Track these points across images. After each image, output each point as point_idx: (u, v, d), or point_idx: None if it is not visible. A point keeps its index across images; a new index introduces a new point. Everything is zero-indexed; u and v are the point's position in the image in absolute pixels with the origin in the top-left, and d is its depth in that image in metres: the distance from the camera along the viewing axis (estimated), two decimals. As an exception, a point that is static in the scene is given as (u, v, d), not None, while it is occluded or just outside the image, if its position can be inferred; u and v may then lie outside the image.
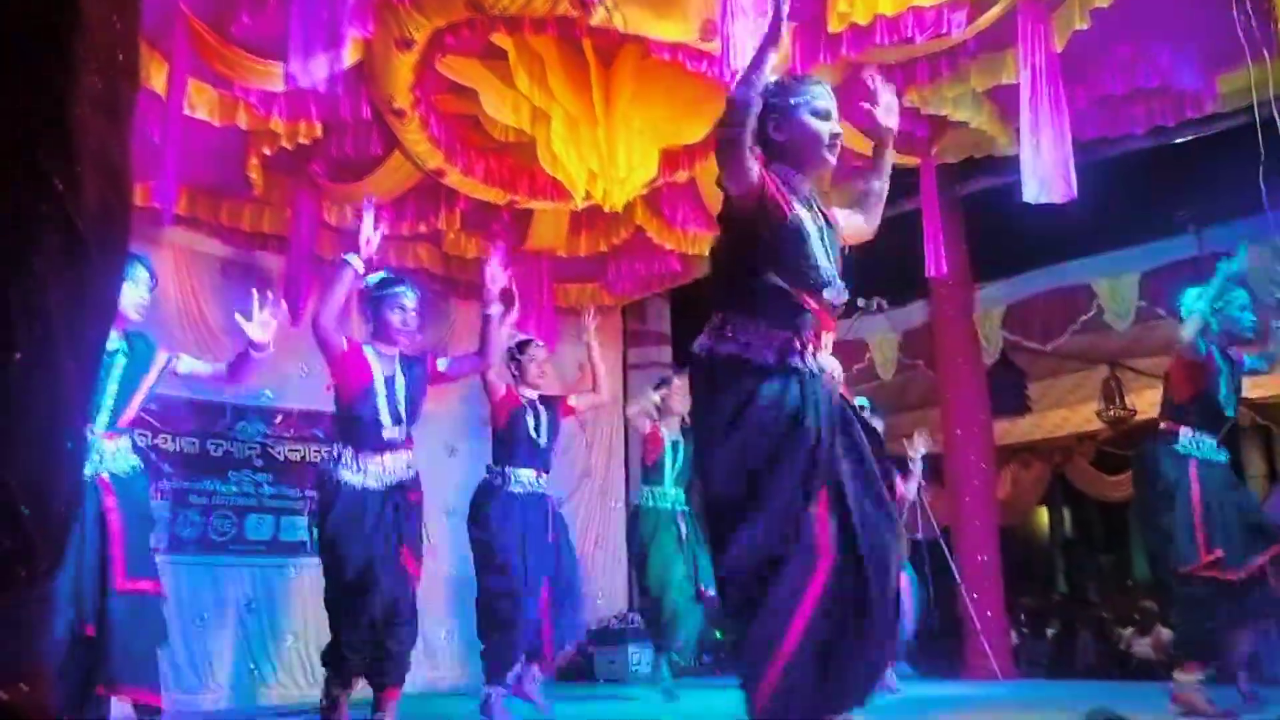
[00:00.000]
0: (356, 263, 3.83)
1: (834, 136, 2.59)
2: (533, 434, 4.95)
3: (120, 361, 3.41)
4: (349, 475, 3.80)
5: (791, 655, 2.24)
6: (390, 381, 3.93)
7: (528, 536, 4.80)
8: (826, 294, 2.47)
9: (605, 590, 8.03)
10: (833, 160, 2.63)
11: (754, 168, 2.41)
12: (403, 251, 7.17)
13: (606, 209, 5.96)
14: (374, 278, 4.14)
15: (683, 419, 6.01)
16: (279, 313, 3.81)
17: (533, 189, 6.29)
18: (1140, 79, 5.26)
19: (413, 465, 3.97)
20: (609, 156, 5.48)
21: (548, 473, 5.06)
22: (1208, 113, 5.56)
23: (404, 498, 3.86)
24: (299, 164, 6.00)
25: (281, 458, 6.64)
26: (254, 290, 3.82)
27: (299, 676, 6.37)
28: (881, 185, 2.87)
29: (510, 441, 4.94)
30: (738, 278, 2.48)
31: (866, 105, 2.79)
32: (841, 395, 2.51)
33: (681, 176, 6.20)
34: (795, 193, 2.52)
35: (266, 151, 5.55)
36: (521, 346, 5.14)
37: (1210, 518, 4.13)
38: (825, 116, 2.58)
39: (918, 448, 6.45)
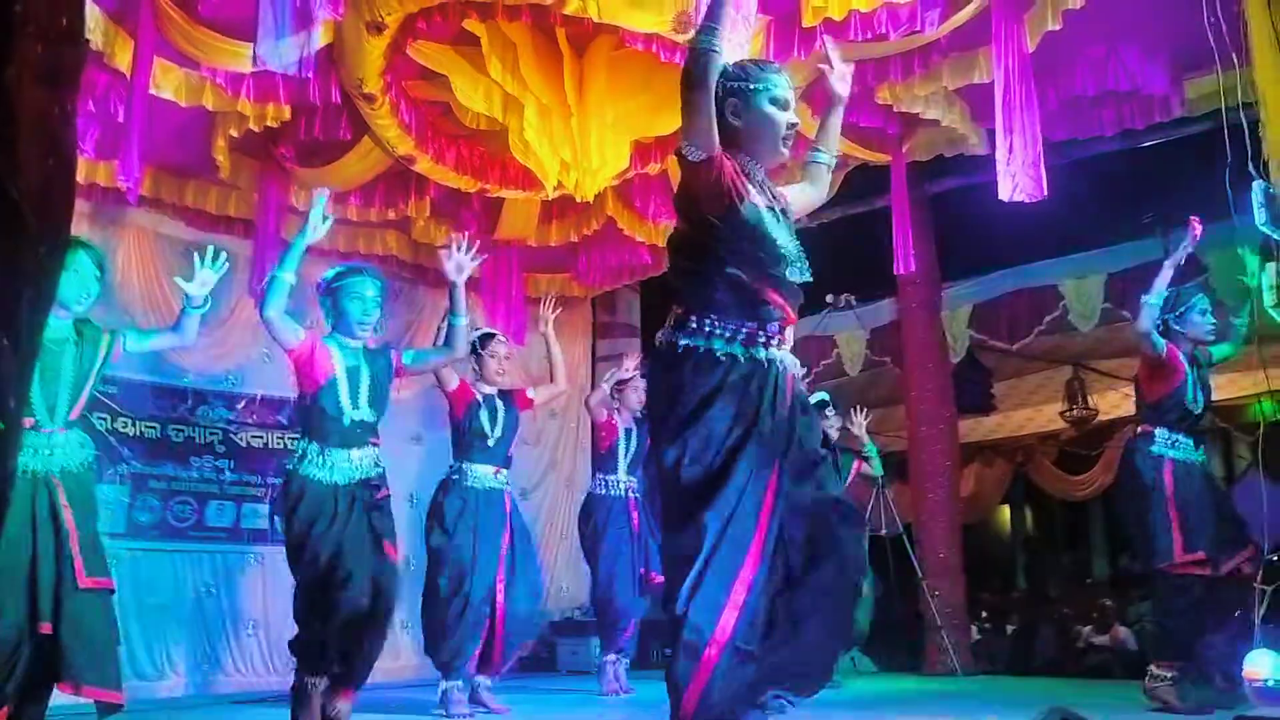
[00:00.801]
0: (291, 268, 3.74)
1: (790, 126, 2.58)
2: (487, 429, 4.92)
3: (70, 351, 3.33)
4: (314, 470, 3.75)
5: (725, 641, 2.25)
6: (354, 374, 3.87)
7: (480, 535, 4.79)
8: (789, 276, 2.48)
9: (569, 582, 8.02)
10: (787, 152, 2.62)
11: (715, 133, 2.41)
12: (371, 238, 7.10)
13: (578, 199, 5.93)
14: (331, 270, 4.09)
15: (638, 410, 6.00)
16: (216, 274, 3.73)
17: (504, 178, 6.25)
18: (1110, 81, 5.30)
19: (380, 462, 3.91)
20: (581, 147, 5.45)
21: (507, 468, 5.04)
22: (1175, 116, 5.61)
23: (372, 495, 3.81)
24: (266, 147, 5.92)
25: (244, 444, 6.56)
26: (196, 252, 3.76)
27: (258, 664, 6.32)
28: (830, 155, 2.86)
29: (466, 437, 4.92)
30: (697, 270, 2.47)
31: (822, 66, 2.77)
32: (800, 392, 2.53)
33: (653, 168, 6.18)
34: (750, 179, 2.52)
35: (233, 134, 5.47)
36: (484, 340, 5.11)
37: (1187, 517, 4.20)
38: (784, 106, 2.58)
39: (859, 423, 6.47)
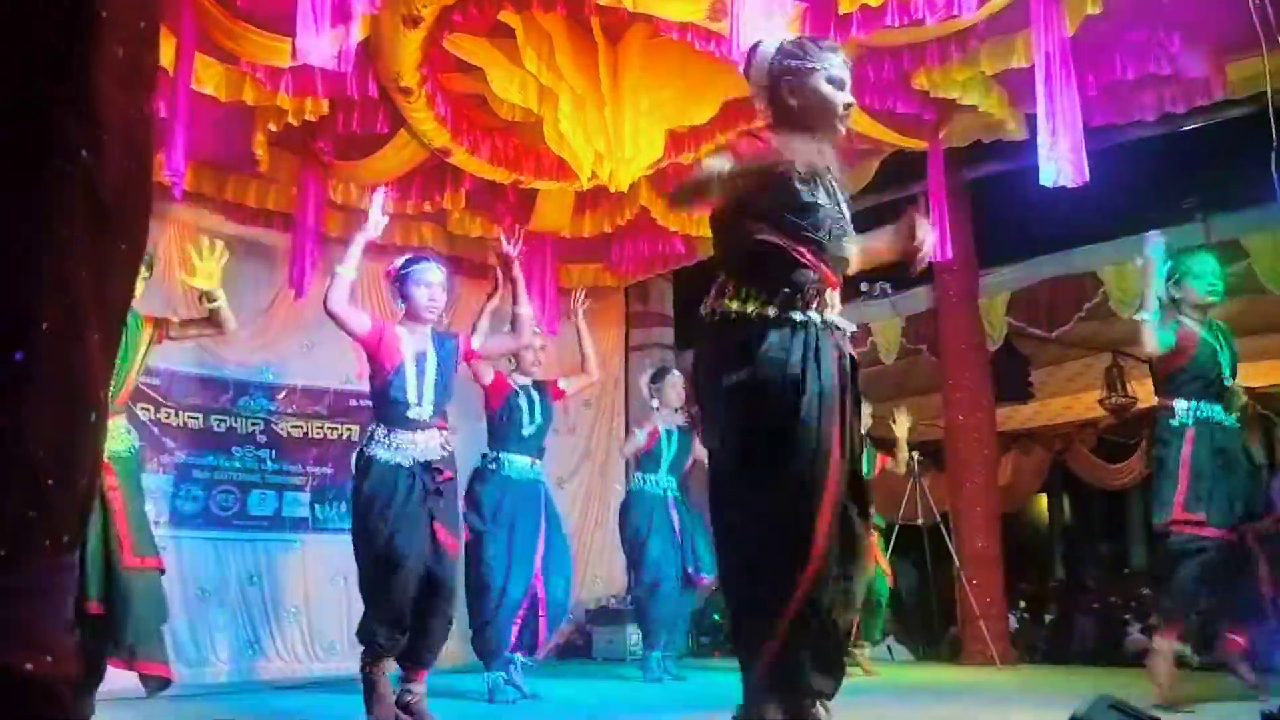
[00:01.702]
0: (351, 263, 3.82)
1: (847, 106, 2.60)
2: (525, 420, 4.99)
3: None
4: (381, 451, 3.84)
5: (796, 617, 2.26)
6: (421, 359, 3.96)
7: (518, 524, 4.85)
8: (828, 243, 2.49)
9: (604, 571, 8.06)
10: (842, 130, 2.64)
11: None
12: (407, 230, 7.15)
13: (612, 189, 5.95)
14: (400, 259, 4.22)
15: (677, 404, 6.04)
16: (218, 263, 3.84)
17: (538, 169, 6.28)
18: (1150, 65, 5.23)
19: (447, 445, 4.00)
20: (615, 137, 5.46)
21: (541, 458, 5.10)
22: (1217, 99, 5.53)
23: (433, 478, 3.88)
24: (304, 141, 5.98)
25: (284, 434, 6.64)
26: (205, 239, 3.84)
27: (300, 651, 6.41)
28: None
29: (503, 427, 4.99)
30: (737, 239, 2.51)
31: (911, 233, 2.64)
32: (849, 354, 2.55)
33: (687, 157, 6.17)
34: (802, 156, 2.51)
35: (272, 128, 5.53)
36: None
37: (1196, 478, 4.14)
38: (840, 86, 2.59)
39: (902, 425, 6.51)
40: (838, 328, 2.50)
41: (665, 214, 6.88)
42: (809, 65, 2.55)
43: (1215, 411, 4.28)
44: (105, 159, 0.73)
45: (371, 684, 3.80)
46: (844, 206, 2.62)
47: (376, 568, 3.77)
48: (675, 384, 6.02)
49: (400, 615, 3.75)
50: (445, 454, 3.95)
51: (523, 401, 5.03)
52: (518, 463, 4.99)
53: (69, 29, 0.71)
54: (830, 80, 2.56)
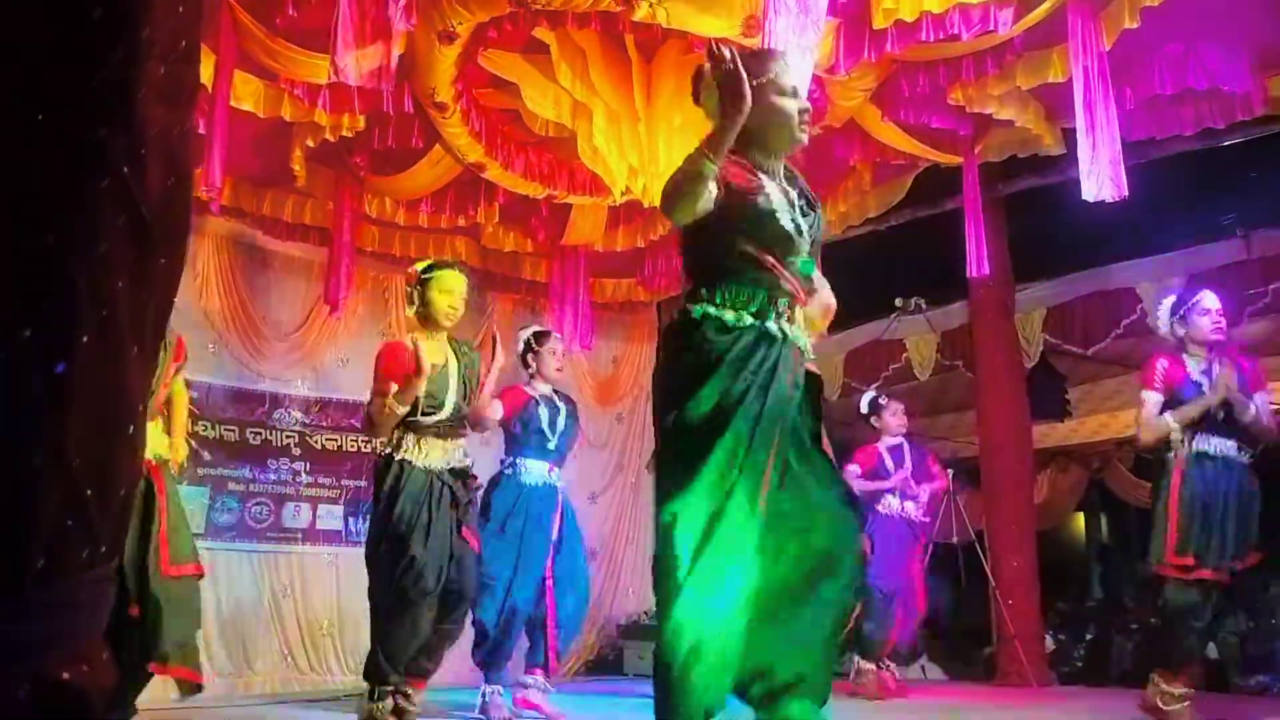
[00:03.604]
0: None
1: (803, 113, 2.47)
2: (545, 429, 4.93)
3: None
4: (408, 456, 3.90)
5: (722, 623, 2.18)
6: (443, 370, 3.99)
7: (528, 532, 4.79)
8: (793, 259, 2.41)
9: (636, 586, 8.04)
10: (804, 138, 2.50)
11: (709, 193, 2.30)
12: (441, 244, 7.19)
13: (645, 204, 5.96)
14: (423, 263, 4.23)
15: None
16: None
17: (572, 184, 6.30)
18: (1190, 79, 5.17)
19: (468, 453, 4.04)
20: (649, 152, 5.47)
21: (560, 466, 5.04)
22: (1258, 115, 5.46)
23: (460, 483, 3.93)
24: (341, 156, 6.05)
25: (319, 447, 6.70)
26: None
27: (332, 664, 6.44)
28: None
29: (521, 435, 4.92)
30: (710, 245, 2.41)
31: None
32: (808, 370, 2.46)
33: (720, 173, 6.17)
34: (767, 174, 2.45)
35: (310, 143, 5.59)
36: (539, 338, 5.13)
37: (1189, 519, 4.03)
38: (794, 94, 2.47)
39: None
40: (799, 346, 2.42)
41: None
42: (761, 80, 2.38)
43: (1216, 444, 4.15)
44: (146, 174, 0.74)
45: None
46: (812, 220, 2.50)
47: (395, 571, 3.77)
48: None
49: (419, 621, 3.75)
50: (468, 462, 3.99)
51: (543, 411, 4.97)
52: (534, 469, 4.93)
53: (112, 47, 0.72)
54: (781, 91, 2.44)
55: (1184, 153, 6.20)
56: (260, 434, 6.47)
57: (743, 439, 2.24)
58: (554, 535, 4.91)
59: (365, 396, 6.80)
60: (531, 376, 5.07)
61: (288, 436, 6.58)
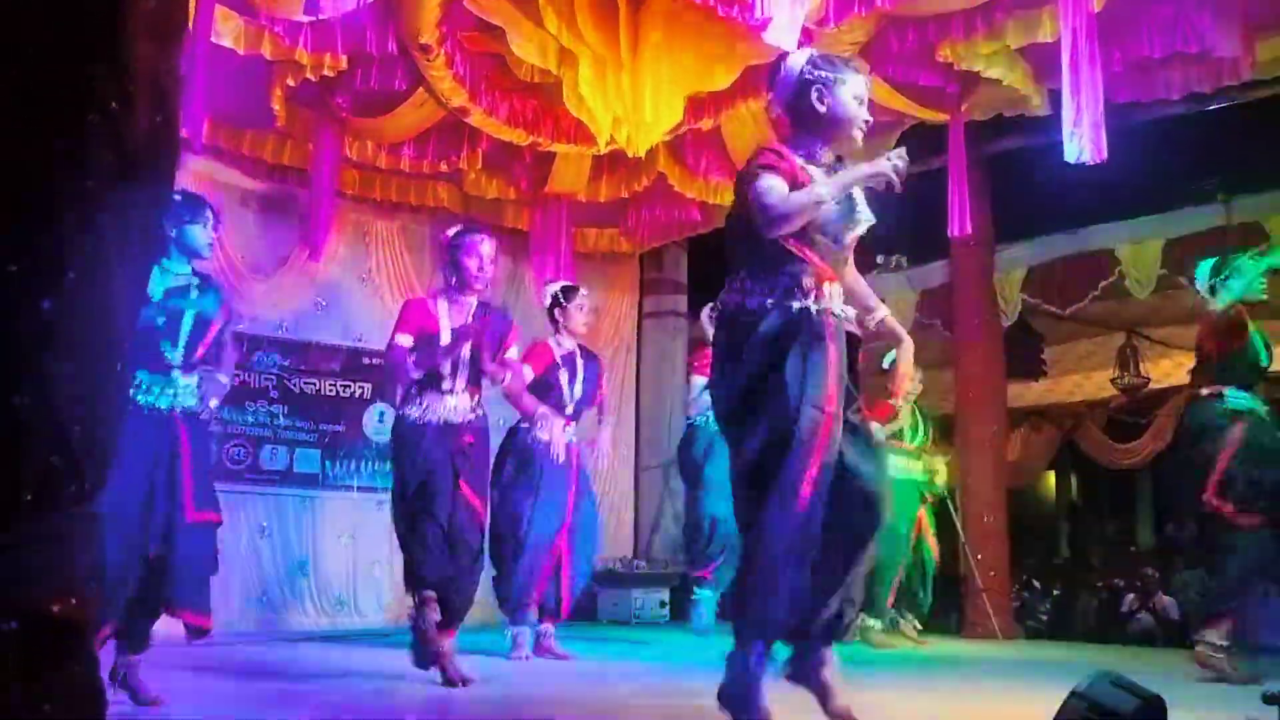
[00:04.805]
0: None
1: (865, 123, 2.84)
2: (565, 386, 5.00)
3: (194, 297, 3.46)
4: (414, 411, 3.97)
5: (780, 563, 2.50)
6: (460, 332, 4.01)
7: (545, 484, 4.88)
8: (825, 239, 2.73)
9: (611, 534, 8.10)
10: (859, 143, 2.86)
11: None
12: (423, 190, 7.14)
13: (630, 154, 5.92)
14: (453, 229, 4.28)
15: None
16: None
17: (556, 131, 6.24)
18: (1179, 43, 5.16)
19: (479, 408, 4.08)
20: (635, 101, 5.42)
21: (576, 422, 5.10)
22: (1245, 80, 5.46)
23: (460, 438, 3.96)
24: (322, 97, 5.96)
25: (297, 390, 6.68)
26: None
27: (307, 605, 6.48)
28: None
29: (541, 392, 4.98)
30: (749, 238, 2.70)
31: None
32: (850, 335, 2.76)
33: (706, 124, 6.14)
34: (818, 165, 2.78)
35: (290, 83, 5.51)
36: (566, 293, 5.17)
37: (1249, 467, 4.17)
38: (862, 103, 2.82)
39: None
40: (835, 314, 2.70)
41: (682, 180, 6.86)
42: (838, 76, 2.77)
43: (1259, 401, 4.34)
44: (134, 111, 0.73)
45: (419, 633, 3.85)
46: (855, 210, 2.80)
47: (410, 520, 3.88)
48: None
49: (437, 569, 3.81)
50: (474, 415, 4.03)
51: (563, 374, 5.03)
52: (554, 425, 5.00)
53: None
54: (855, 96, 2.79)
55: (1168, 116, 6.21)
56: (238, 376, 6.42)
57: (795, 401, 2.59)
58: (571, 488, 5.02)
59: (345, 341, 6.89)
60: (557, 331, 5.12)
61: (266, 379, 6.55)
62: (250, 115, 6.05)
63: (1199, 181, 6.94)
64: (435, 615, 3.82)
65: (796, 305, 2.64)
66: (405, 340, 3.99)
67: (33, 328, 0.67)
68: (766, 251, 2.68)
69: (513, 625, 4.90)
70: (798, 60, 2.84)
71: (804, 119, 2.79)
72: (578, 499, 5.06)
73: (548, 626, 5.09)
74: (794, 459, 2.49)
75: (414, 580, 3.89)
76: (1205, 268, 4.64)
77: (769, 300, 2.64)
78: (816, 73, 2.76)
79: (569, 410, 5.04)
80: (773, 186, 2.60)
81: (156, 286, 3.27)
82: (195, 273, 3.54)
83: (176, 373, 3.35)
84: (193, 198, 3.59)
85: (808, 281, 2.66)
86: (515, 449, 4.97)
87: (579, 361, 5.12)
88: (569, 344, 5.12)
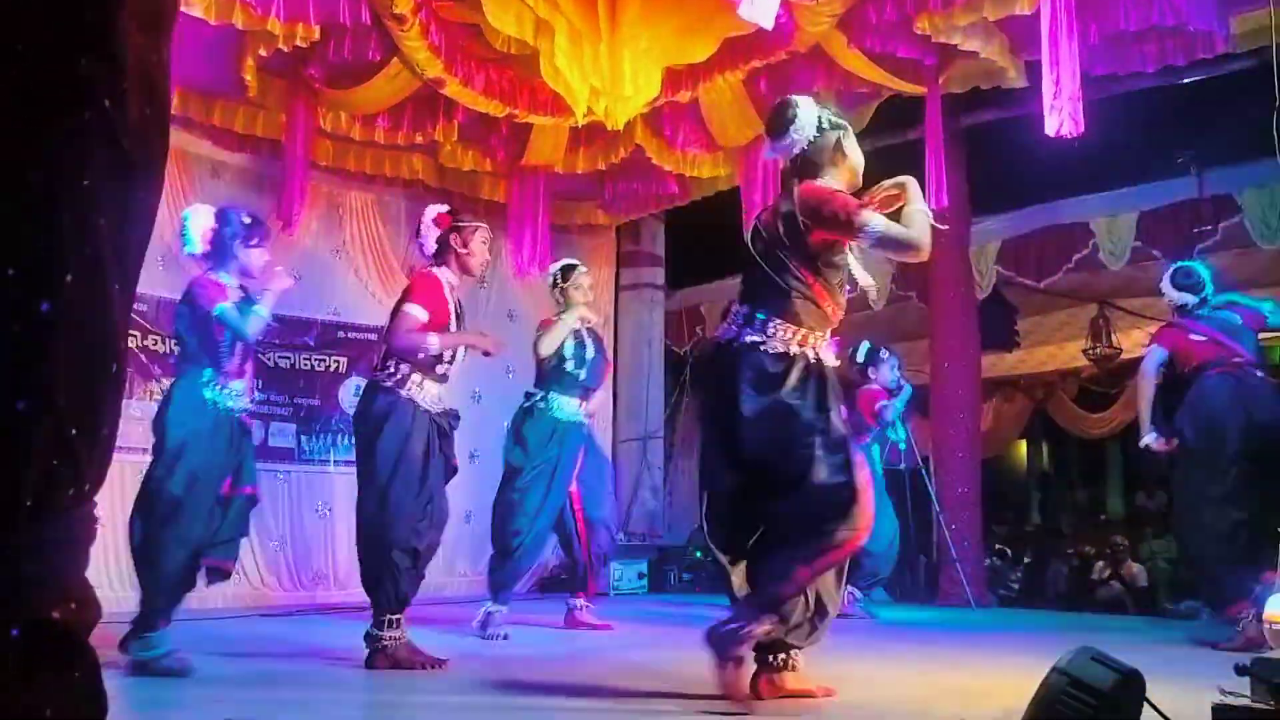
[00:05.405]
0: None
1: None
2: (573, 364, 5.01)
3: (244, 310, 3.89)
4: (410, 393, 3.83)
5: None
6: (458, 319, 4.01)
7: (559, 468, 4.91)
8: (843, 291, 3.09)
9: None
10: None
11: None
12: (398, 161, 7.07)
13: (608, 127, 5.88)
14: (442, 207, 4.25)
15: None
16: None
17: (533, 103, 6.19)
18: (1155, 16, 5.17)
19: (446, 399, 4.03)
20: (613, 73, 5.38)
21: (588, 400, 5.11)
22: (1220, 53, 5.49)
23: (448, 424, 3.94)
24: (295, 67, 5.88)
25: (272, 364, 6.63)
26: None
27: (284, 580, 6.47)
28: None
29: (551, 368, 4.98)
30: (775, 280, 2.96)
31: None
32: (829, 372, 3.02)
33: (684, 96, 6.11)
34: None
35: (262, 53, 5.42)
36: (566, 272, 5.16)
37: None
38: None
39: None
40: (823, 359, 3.00)
41: (660, 153, 6.83)
42: (848, 127, 3.12)
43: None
44: (126, 106, 0.71)
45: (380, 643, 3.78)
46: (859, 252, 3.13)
47: (388, 498, 3.74)
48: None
49: (412, 549, 3.76)
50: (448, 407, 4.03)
51: (572, 347, 5.02)
52: (566, 405, 5.00)
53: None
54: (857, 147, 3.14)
55: (1142, 89, 6.23)
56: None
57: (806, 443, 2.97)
58: (577, 468, 5.04)
59: (319, 314, 6.83)
60: (561, 310, 5.10)
61: (240, 353, 6.49)
62: (221, 86, 5.96)
63: (1173, 154, 6.98)
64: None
65: (805, 352, 2.99)
66: (422, 314, 3.83)
67: (32, 331, 0.66)
68: (794, 295, 3.02)
69: (494, 602, 4.82)
70: (812, 111, 3.07)
71: (825, 163, 3.11)
72: (598, 480, 5.14)
73: (580, 601, 5.14)
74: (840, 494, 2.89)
75: (383, 590, 3.77)
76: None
77: (780, 346, 3.00)
78: (836, 120, 3.15)
79: (581, 380, 5.06)
80: None
81: (222, 304, 3.82)
82: (240, 286, 3.94)
83: (233, 379, 3.88)
84: (258, 223, 4.07)
85: (818, 329, 3.06)
86: (538, 423, 4.94)
87: (586, 337, 5.12)
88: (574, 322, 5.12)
